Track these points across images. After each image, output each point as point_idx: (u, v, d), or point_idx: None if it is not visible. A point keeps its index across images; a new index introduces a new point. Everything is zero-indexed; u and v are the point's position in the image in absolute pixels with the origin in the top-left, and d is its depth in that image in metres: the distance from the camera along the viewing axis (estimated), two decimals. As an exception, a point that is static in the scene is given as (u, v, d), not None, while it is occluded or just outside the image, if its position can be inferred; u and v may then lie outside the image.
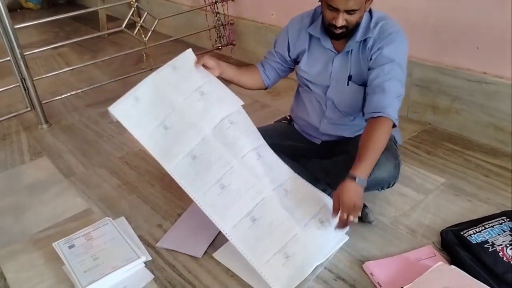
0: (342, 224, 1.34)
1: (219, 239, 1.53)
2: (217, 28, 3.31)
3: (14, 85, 2.47)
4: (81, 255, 1.47)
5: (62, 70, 2.87)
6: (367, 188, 1.43)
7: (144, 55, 3.12)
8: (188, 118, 1.47)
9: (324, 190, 1.52)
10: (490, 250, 1.33)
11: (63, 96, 2.72)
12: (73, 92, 2.76)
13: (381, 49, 1.45)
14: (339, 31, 1.43)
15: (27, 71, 2.40)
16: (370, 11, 1.49)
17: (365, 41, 1.49)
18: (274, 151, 1.55)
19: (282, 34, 1.66)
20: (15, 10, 5.55)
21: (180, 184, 1.42)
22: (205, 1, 3.26)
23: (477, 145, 2.01)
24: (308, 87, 1.66)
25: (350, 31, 1.44)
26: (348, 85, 1.56)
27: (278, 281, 1.31)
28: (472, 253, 1.34)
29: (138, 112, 1.46)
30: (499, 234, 1.39)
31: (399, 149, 1.63)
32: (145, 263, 1.47)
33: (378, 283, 1.31)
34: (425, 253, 1.40)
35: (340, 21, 1.38)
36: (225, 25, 3.30)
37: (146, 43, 2.97)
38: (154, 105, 1.47)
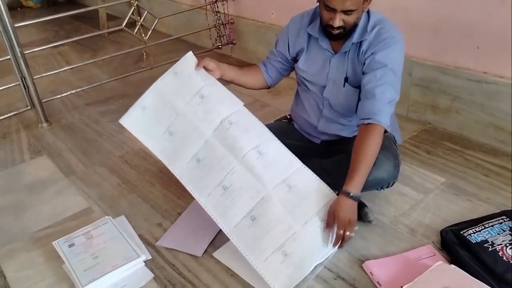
0: (338, 240, 1.34)
1: (219, 238, 1.53)
2: (217, 27, 3.30)
3: (14, 84, 2.47)
4: (81, 254, 1.47)
5: (62, 69, 2.88)
6: (366, 188, 1.43)
7: (144, 54, 3.12)
8: (191, 122, 1.51)
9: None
10: (490, 249, 1.33)
11: (63, 94, 2.72)
12: (73, 91, 2.76)
13: (374, 54, 1.44)
14: (337, 31, 1.42)
15: (27, 70, 2.40)
16: (368, 12, 1.48)
17: (361, 43, 1.48)
18: None
19: (283, 33, 1.66)
20: (15, 8, 5.54)
21: (187, 188, 1.47)
22: (205, 0, 3.26)
23: (477, 144, 2.01)
24: (306, 86, 1.66)
25: (347, 31, 1.44)
26: (344, 86, 1.56)
27: (276, 279, 1.31)
28: (472, 252, 1.34)
29: (145, 121, 1.55)
30: (499, 234, 1.39)
31: (398, 149, 1.63)
32: (145, 262, 1.47)
33: (378, 282, 1.31)
34: (425, 253, 1.40)
35: (337, 21, 1.38)
36: (225, 24, 3.30)
37: (146, 42, 2.97)
38: (159, 113, 1.55)
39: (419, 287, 1.22)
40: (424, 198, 1.69)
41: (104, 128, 2.48)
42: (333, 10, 1.37)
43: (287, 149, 1.51)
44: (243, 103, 1.57)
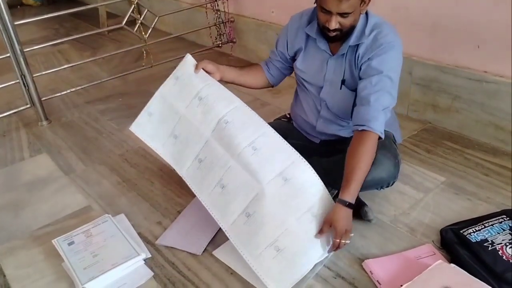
0: (334, 247, 1.34)
1: (218, 237, 1.53)
2: (218, 25, 3.30)
3: (14, 82, 2.47)
4: (81, 252, 1.47)
5: (62, 67, 2.87)
6: (366, 187, 1.43)
7: (144, 52, 3.11)
8: (192, 124, 1.56)
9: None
10: (489, 248, 1.33)
11: (63, 93, 2.72)
12: (73, 89, 2.75)
13: (371, 60, 1.42)
14: (333, 34, 1.40)
15: (27, 68, 2.40)
16: (366, 14, 1.46)
17: (358, 46, 1.46)
18: None
19: (283, 32, 1.66)
20: (15, 6, 5.53)
21: (191, 188, 1.52)
22: (205, -1, 3.26)
23: (477, 144, 2.01)
24: (304, 86, 1.66)
25: (344, 34, 1.42)
26: (341, 89, 1.55)
27: (268, 274, 1.31)
28: (471, 251, 1.34)
29: (152, 126, 1.64)
30: (498, 233, 1.39)
31: (398, 148, 1.63)
32: (144, 260, 1.47)
33: (377, 281, 1.31)
34: (424, 252, 1.40)
35: (333, 24, 1.36)
36: (225, 22, 3.29)
37: (146, 40, 2.96)
38: (164, 117, 1.62)
39: (418, 286, 1.22)
40: (424, 197, 1.68)
41: (104, 126, 2.48)
42: (329, 13, 1.35)
43: (284, 141, 1.47)
44: (241, 100, 1.56)
